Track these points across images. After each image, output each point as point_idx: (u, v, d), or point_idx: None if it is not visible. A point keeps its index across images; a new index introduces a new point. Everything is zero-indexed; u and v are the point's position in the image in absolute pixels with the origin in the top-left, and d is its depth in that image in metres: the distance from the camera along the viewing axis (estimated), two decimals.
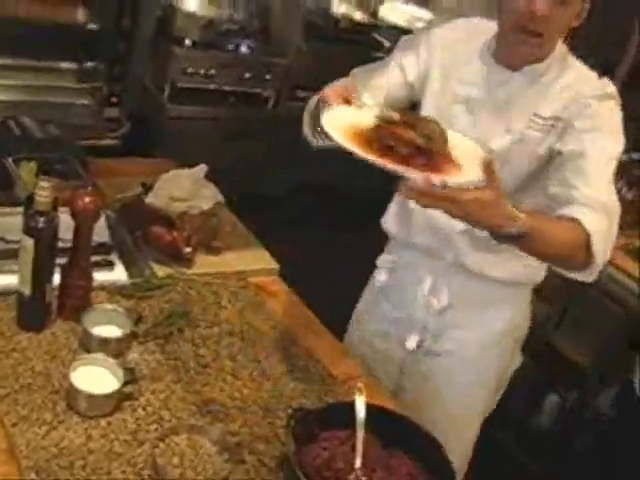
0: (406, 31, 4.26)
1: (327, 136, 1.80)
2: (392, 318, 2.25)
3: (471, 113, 2.01)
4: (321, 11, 4.04)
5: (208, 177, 2.28)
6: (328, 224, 3.53)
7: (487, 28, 2.01)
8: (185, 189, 2.18)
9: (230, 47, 3.59)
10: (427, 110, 2.05)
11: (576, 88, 1.93)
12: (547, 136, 1.93)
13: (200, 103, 3.50)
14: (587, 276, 1.74)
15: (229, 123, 3.53)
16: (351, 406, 1.61)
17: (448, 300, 2.14)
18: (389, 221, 2.23)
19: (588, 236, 1.65)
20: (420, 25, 4.37)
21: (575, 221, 1.66)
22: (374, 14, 4.30)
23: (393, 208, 2.23)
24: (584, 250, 1.66)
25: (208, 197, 2.21)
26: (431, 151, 1.47)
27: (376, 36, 4.12)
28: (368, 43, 4.06)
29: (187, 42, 3.47)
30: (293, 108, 3.67)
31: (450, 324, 2.17)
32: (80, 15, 3.21)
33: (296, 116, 3.56)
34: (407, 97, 2.11)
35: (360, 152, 1.43)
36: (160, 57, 3.44)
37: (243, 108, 3.59)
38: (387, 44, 4.10)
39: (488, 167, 1.45)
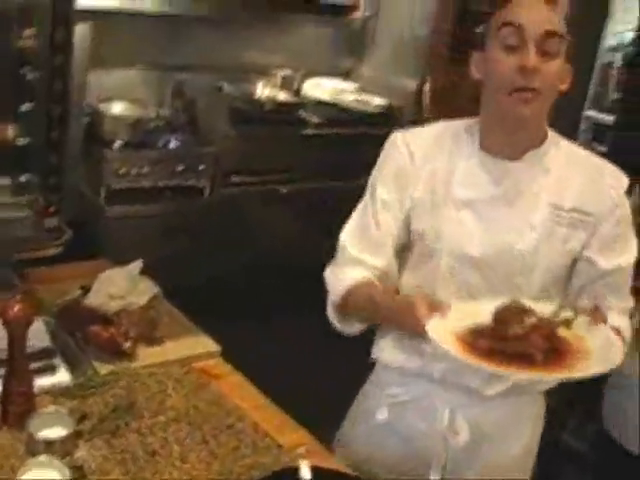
0: (330, 104, 4.40)
1: (356, 322, 1.95)
2: (402, 453, 2.06)
3: (481, 215, 1.85)
4: (245, 96, 4.15)
5: (148, 271, 2.35)
6: (270, 304, 3.58)
7: (463, 123, 1.92)
8: (122, 286, 2.25)
9: (160, 144, 3.67)
10: (422, 227, 1.91)
11: (587, 172, 1.87)
12: (576, 232, 1.85)
13: (137, 202, 3.56)
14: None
15: (167, 217, 3.60)
16: (295, 471, 1.66)
17: (469, 435, 2.00)
18: (387, 351, 2.04)
19: (622, 341, 1.78)
20: (345, 97, 4.48)
21: (617, 330, 1.79)
22: (297, 92, 4.43)
23: (387, 336, 2.03)
24: None
25: (144, 292, 2.27)
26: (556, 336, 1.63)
27: (302, 114, 4.22)
28: (294, 121, 4.16)
29: (117, 144, 3.55)
30: (227, 194, 3.78)
31: (473, 457, 2.03)
32: (10, 131, 3.27)
33: (231, 201, 3.68)
34: (405, 229, 1.95)
35: (513, 370, 1.57)
36: (93, 162, 3.51)
37: (180, 201, 3.66)
38: (315, 120, 4.20)
39: (596, 314, 1.67)
